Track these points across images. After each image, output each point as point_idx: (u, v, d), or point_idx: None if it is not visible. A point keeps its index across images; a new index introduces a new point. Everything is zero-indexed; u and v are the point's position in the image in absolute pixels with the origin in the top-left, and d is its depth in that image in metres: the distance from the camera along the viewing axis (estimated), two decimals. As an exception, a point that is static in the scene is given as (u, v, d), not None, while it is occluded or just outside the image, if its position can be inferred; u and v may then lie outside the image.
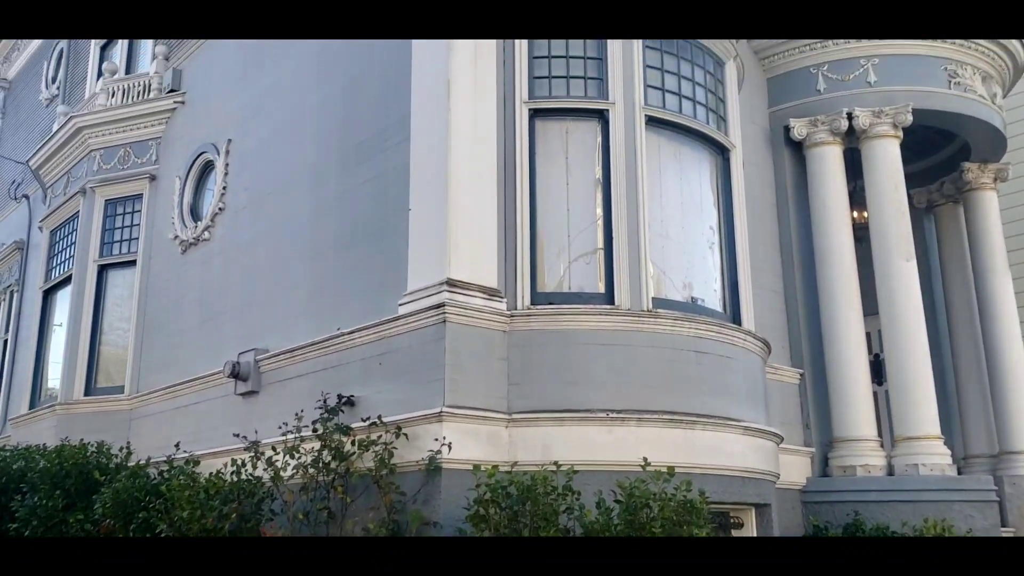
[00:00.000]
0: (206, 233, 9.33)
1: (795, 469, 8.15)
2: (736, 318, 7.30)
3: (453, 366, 5.91)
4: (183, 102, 10.52)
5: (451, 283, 6.06)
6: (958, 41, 9.13)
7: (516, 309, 6.39)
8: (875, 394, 9.56)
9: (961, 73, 9.13)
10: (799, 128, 9.10)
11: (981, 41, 9.26)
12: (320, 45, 8.24)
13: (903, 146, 9.06)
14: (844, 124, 8.86)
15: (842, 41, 9.07)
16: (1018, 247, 13.16)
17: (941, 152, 10.49)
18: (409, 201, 6.61)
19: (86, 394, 10.00)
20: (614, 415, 6.12)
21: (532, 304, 6.47)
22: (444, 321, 5.96)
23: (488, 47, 6.80)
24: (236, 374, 7.83)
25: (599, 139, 7.01)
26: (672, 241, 7.21)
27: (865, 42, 9.03)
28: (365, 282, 7.01)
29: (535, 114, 6.93)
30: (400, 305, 6.36)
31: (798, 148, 9.28)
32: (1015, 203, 13.44)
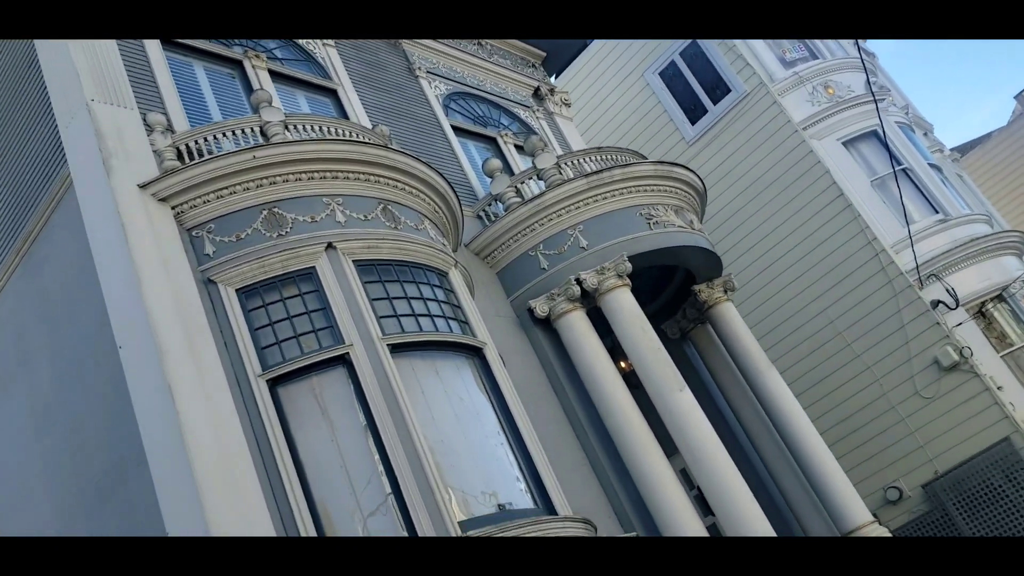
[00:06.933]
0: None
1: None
2: (550, 508, 7.03)
3: None
4: None
5: (235, 594, 5.34)
6: (644, 188, 9.99)
7: (318, 593, 5.73)
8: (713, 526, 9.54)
9: (656, 213, 9.96)
10: (540, 306, 9.40)
11: (667, 183, 10.23)
12: (31, 400, 7.57)
13: (637, 290, 9.59)
14: (577, 290, 9.26)
15: (546, 220, 9.65)
16: (768, 341, 14.20)
17: (672, 284, 11.26)
18: (165, 526, 5.91)
19: None
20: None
21: (335, 580, 5.84)
22: (239, 642, 5.19)
23: (203, 334, 6.49)
24: None
25: (351, 384, 6.76)
26: (460, 455, 6.94)
27: (566, 215, 9.66)
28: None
29: (275, 383, 6.60)
30: (187, 643, 5.50)
31: (547, 324, 9.54)
32: (756, 305, 14.65)
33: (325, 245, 7.13)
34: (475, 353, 7.68)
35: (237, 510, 5.80)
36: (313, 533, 6.07)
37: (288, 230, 7.12)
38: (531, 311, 9.48)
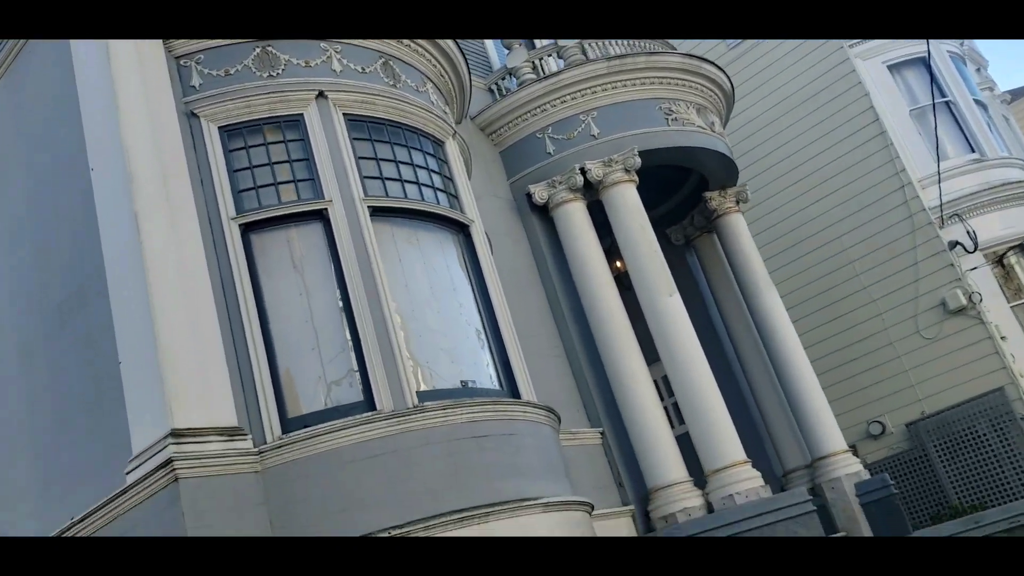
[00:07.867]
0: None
1: (618, 532, 7.73)
2: (514, 392, 6.89)
3: (197, 530, 5.06)
4: None
5: (177, 433, 5.25)
6: (667, 80, 9.50)
7: (265, 443, 5.66)
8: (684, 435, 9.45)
9: (676, 109, 9.49)
10: (539, 192, 9.07)
11: (692, 79, 9.70)
12: (3, 214, 7.39)
13: (648, 190, 9.23)
14: (580, 179, 8.91)
15: (559, 102, 9.21)
16: (776, 261, 13.86)
17: (683, 188, 10.85)
18: (119, 357, 5.80)
19: None
20: (396, 531, 5.46)
21: (284, 433, 5.77)
22: (176, 479, 5.13)
23: (179, 167, 6.23)
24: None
25: (326, 241, 6.53)
26: (429, 328, 6.76)
27: (580, 98, 9.22)
28: (91, 458, 6.05)
29: (248, 228, 6.37)
30: (128, 474, 5.47)
31: (544, 211, 9.23)
32: (770, 223, 14.23)
33: (316, 93, 6.77)
34: (461, 229, 7.40)
35: (192, 349, 5.66)
36: (270, 387, 5.94)
37: (280, 72, 6.75)
38: (529, 196, 9.16)
